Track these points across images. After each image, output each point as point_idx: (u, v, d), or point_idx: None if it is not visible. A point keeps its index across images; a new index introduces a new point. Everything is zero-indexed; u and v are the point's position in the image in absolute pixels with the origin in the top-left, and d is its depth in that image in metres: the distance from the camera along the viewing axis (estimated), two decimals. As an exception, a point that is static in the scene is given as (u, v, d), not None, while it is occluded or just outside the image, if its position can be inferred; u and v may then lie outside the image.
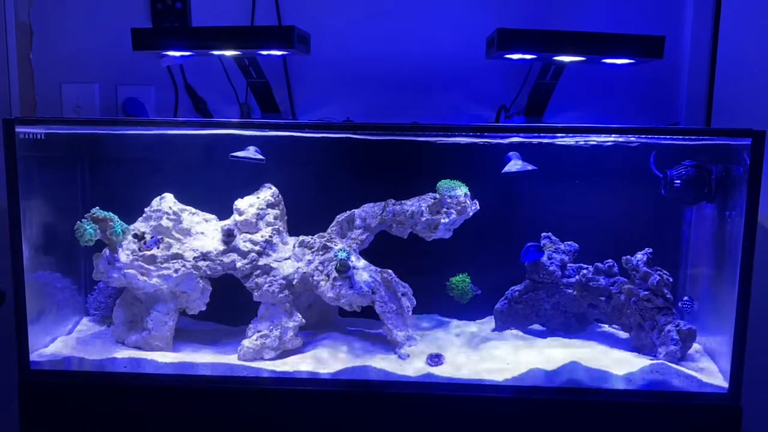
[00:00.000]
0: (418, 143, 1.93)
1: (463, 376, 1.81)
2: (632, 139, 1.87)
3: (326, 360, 1.88)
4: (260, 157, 1.95)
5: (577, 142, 1.90)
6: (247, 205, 2.02)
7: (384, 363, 1.85)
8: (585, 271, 2.02)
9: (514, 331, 2.06)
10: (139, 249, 1.88)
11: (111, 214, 1.88)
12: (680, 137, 1.89)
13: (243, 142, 1.95)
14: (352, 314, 1.96)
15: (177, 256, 1.94)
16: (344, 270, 1.89)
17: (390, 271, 1.95)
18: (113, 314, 2.00)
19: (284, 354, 1.91)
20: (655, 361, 1.81)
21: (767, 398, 2.00)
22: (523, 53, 1.79)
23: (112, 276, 1.89)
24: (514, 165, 1.92)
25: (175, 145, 2.01)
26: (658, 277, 1.90)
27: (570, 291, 2.02)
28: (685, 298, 1.94)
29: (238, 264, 1.95)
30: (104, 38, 2.18)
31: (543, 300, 2.05)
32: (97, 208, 1.88)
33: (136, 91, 2.21)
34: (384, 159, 2.05)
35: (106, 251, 1.90)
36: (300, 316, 1.94)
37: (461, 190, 1.94)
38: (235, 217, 2.02)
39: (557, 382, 1.79)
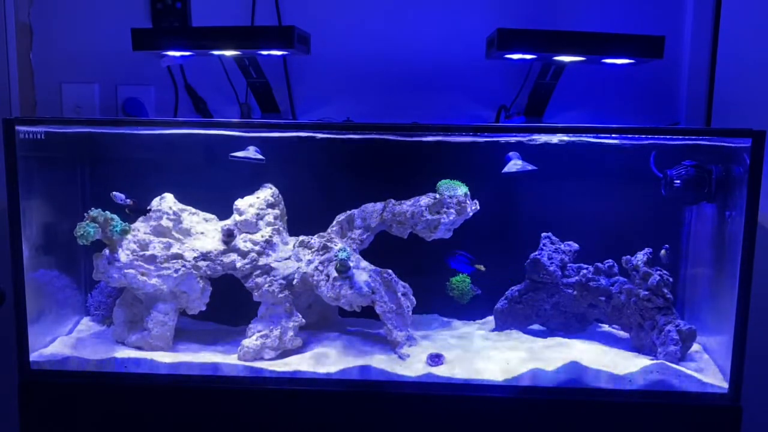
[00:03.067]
0: (418, 143, 1.94)
1: (463, 376, 1.81)
2: (609, 141, 1.87)
3: (326, 360, 1.88)
4: (260, 157, 1.95)
5: (582, 140, 1.90)
6: (247, 205, 2.02)
7: (384, 363, 1.85)
8: (585, 271, 2.02)
9: (514, 331, 2.06)
10: (129, 211, 1.92)
11: (111, 215, 1.88)
12: (680, 137, 1.89)
13: (243, 142, 1.95)
14: (352, 314, 1.96)
15: (177, 256, 1.94)
16: (344, 270, 1.88)
17: (390, 271, 1.95)
18: (113, 314, 2.00)
19: (284, 354, 1.91)
20: (655, 361, 1.81)
21: (767, 398, 2.00)
22: (523, 53, 1.79)
23: (112, 276, 1.89)
24: (514, 165, 1.92)
25: (175, 145, 2.01)
26: (658, 277, 1.90)
27: (570, 291, 2.02)
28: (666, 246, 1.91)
29: (238, 264, 1.95)
30: (104, 38, 2.18)
31: (543, 300, 2.05)
32: (99, 209, 1.88)
33: (136, 91, 2.21)
34: (384, 159, 2.05)
35: (106, 251, 1.90)
36: (300, 316, 1.94)
37: (461, 190, 1.94)
38: (235, 217, 2.02)
39: (557, 382, 1.79)
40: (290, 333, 1.91)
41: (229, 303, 2.02)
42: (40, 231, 1.91)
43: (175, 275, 1.92)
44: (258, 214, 2.01)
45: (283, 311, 1.93)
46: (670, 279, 1.93)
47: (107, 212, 1.88)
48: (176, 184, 2.06)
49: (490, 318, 2.13)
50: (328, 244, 1.96)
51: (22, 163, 1.78)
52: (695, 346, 1.91)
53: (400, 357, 1.89)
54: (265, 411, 1.82)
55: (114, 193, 1.94)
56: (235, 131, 1.97)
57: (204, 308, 1.98)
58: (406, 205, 1.98)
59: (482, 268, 1.94)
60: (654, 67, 2.06)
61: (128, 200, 1.95)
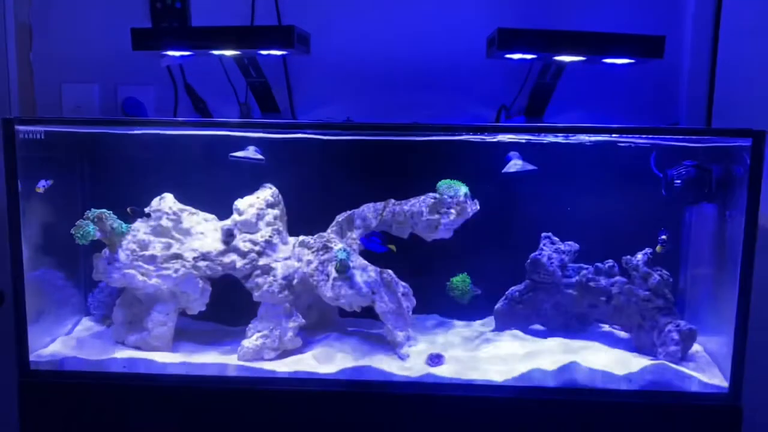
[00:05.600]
0: (418, 143, 1.93)
1: (463, 377, 1.81)
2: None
3: (326, 360, 1.88)
4: (260, 157, 1.95)
5: (582, 140, 1.89)
6: (247, 205, 2.02)
7: (384, 363, 1.85)
8: (585, 272, 2.02)
9: (514, 332, 2.06)
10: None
11: (110, 213, 1.89)
12: (680, 137, 1.89)
13: (243, 142, 1.95)
14: (352, 314, 1.96)
15: (177, 256, 1.94)
16: (344, 270, 1.88)
17: (390, 271, 1.95)
18: (113, 314, 2.00)
19: (284, 354, 1.91)
20: (655, 361, 1.81)
21: (767, 398, 2.00)
22: (524, 53, 1.79)
23: (112, 276, 1.89)
24: (514, 165, 1.92)
25: (175, 145, 2.01)
26: (659, 278, 1.90)
27: (570, 291, 2.02)
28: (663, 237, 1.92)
29: (238, 264, 1.95)
30: (104, 38, 2.18)
31: (543, 300, 2.05)
32: (101, 210, 1.88)
33: (135, 91, 2.21)
34: (384, 159, 2.05)
35: (106, 251, 1.90)
36: (300, 316, 1.94)
37: (461, 190, 1.94)
38: (235, 217, 2.02)
39: (557, 382, 1.79)
40: (290, 333, 1.91)
41: (229, 303, 2.02)
42: (39, 231, 1.91)
43: (174, 275, 1.92)
44: (258, 214, 2.00)
45: (282, 311, 1.93)
46: (671, 279, 1.93)
47: (105, 210, 1.88)
48: (176, 184, 2.06)
49: (490, 318, 2.13)
50: (328, 244, 1.96)
51: (22, 163, 1.78)
52: (695, 346, 1.91)
53: (400, 357, 1.89)
54: (265, 411, 1.81)
55: (41, 182, 1.87)
56: (234, 131, 1.97)
57: (204, 308, 1.98)
58: (406, 205, 1.98)
59: (393, 248, 1.94)
60: (654, 67, 2.05)
61: (48, 182, 1.89)
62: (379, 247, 1.93)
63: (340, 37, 2.16)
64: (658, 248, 1.91)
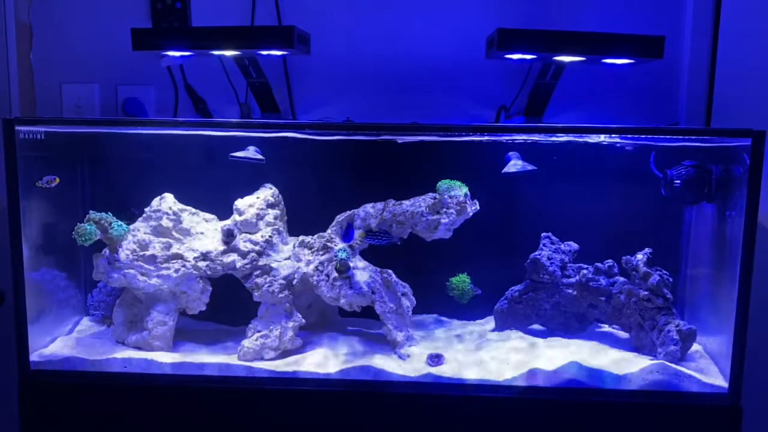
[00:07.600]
0: (418, 143, 1.93)
1: (463, 376, 1.81)
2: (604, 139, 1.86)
3: (326, 360, 1.88)
4: (260, 157, 1.95)
5: (582, 140, 1.90)
6: (247, 205, 2.02)
7: (384, 363, 1.85)
8: (585, 272, 2.02)
9: (514, 331, 2.06)
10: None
11: (109, 215, 1.89)
12: (680, 137, 1.89)
13: (243, 142, 1.96)
14: (352, 314, 1.96)
15: (177, 256, 1.94)
16: (344, 270, 1.89)
17: (390, 271, 1.95)
18: (113, 314, 2.00)
19: (284, 354, 1.91)
20: (655, 361, 1.81)
21: (767, 398, 2.00)
22: (523, 53, 1.79)
23: (112, 276, 1.89)
24: (514, 165, 1.92)
25: (175, 145, 2.01)
26: (658, 277, 1.90)
27: (570, 291, 2.02)
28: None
29: (238, 264, 1.95)
30: (104, 38, 2.18)
31: (543, 300, 2.05)
32: (102, 213, 1.88)
33: (136, 91, 2.21)
34: (384, 159, 2.05)
35: (106, 251, 1.90)
36: (300, 316, 1.94)
37: (461, 190, 1.94)
38: (235, 217, 2.02)
39: (557, 382, 1.79)
40: (290, 333, 1.91)
41: (229, 303, 2.02)
42: (40, 231, 1.91)
43: (175, 275, 1.92)
44: (258, 214, 2.01)
45: (283, 311, 1.93)
46: (670, 279, 1.93)
47: (105, 213, 1.88)
48: (176, 184, 2.06)
49: (490, 318, 2.13)
50: (328, 244, 1.96)
51: (22, 163, 1.78)
52: (695, 346, 1.91)
53: (400, 357, 1.89)
54: (265, 411, 1.82)
55: (38, 183, 1.87)
56: (235, 131, 1.97)
57: (204, 308, 1.98)
58: (406, 205, 1.98)
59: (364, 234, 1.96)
60: (654, 67, 2.06)
61: (51, 178, 1.87)
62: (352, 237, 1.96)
63: (340, 37, 2.16)
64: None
